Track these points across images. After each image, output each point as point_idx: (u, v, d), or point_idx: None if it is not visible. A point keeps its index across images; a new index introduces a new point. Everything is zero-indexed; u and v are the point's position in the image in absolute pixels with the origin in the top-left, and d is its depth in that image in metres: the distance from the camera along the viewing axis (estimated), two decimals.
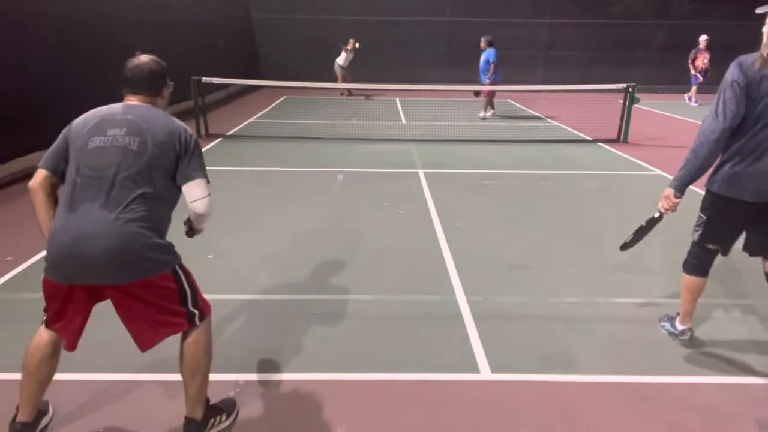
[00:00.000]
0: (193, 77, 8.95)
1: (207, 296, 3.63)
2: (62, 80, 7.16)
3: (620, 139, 9.23)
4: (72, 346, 2.34)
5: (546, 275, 4.04)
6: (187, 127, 2.43)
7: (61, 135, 2.40)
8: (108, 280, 2.14)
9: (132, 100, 2.41)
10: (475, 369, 2.89)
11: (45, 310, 2.32)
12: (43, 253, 4.29)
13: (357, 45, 13.68)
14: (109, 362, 2.89)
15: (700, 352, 3.09)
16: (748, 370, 2.92)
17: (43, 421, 2.47)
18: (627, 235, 3.22)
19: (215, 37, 13.73)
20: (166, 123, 2.34)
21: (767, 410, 2.62)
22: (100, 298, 2.26)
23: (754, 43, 2.71)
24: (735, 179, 2.73)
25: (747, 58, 2.61)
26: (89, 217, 2.08)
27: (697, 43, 14.02)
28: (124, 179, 2.15)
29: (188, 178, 2.35)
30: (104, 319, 3.35)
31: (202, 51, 12.53)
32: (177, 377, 2.77)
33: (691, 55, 14.13)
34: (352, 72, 13.86)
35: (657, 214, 3.10)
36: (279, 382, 2.76)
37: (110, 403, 2.59)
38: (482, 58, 10.86)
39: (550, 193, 6.24)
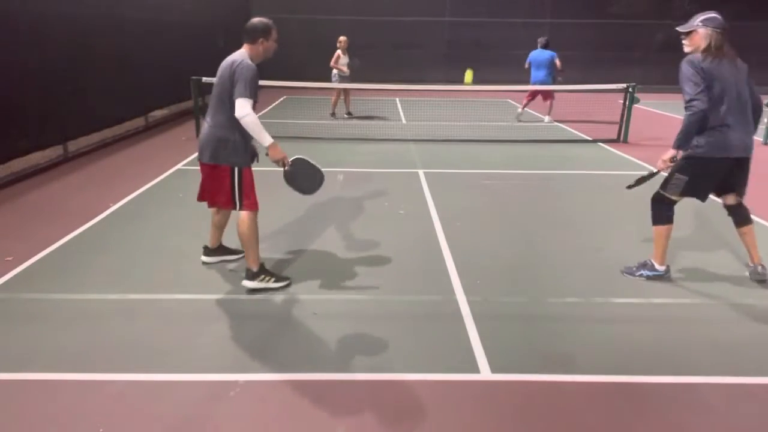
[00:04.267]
0: (193, 77, 8.95)
1: (207, 296, 3.64)
2: (62, 80, 7.16)
3: (620, 139, 9.23)
4: (199, 198, 3.87)
5: (546, 275, 4.04)
6: (245, 60, 3.48)
7: None
8: (200, 159, 3.64)
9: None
10: (475, 369, 2.89)
11: None
12: (43, 253, 4.30)
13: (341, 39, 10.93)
14: (109, 362, 2.89)
15: (700, 352, 3.09)
16: (748, 370, 2.92)
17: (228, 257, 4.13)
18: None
19: (215, 37, 13.72)
20: (234, 59, 3.50)
21: (767, 410, 2.62)
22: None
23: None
24: (720, 143, 3.64)
25: (694, 57, 3.61)
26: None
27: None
28: (213, 99, 3.57)
29: (235, 97, 3.35)
30: (104, 320, 3.36)
31: (202, 51, 12.52)
32: (176, 377, 2.78)
33: None
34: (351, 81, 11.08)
35: (655, 170, 4.03)
36: (279, 382, 2.76)
37: (110, 403, 2.59)
38: (543, 58, 10.44)
39: (550, 193, 6.24)
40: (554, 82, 10.76)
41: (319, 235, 4.77)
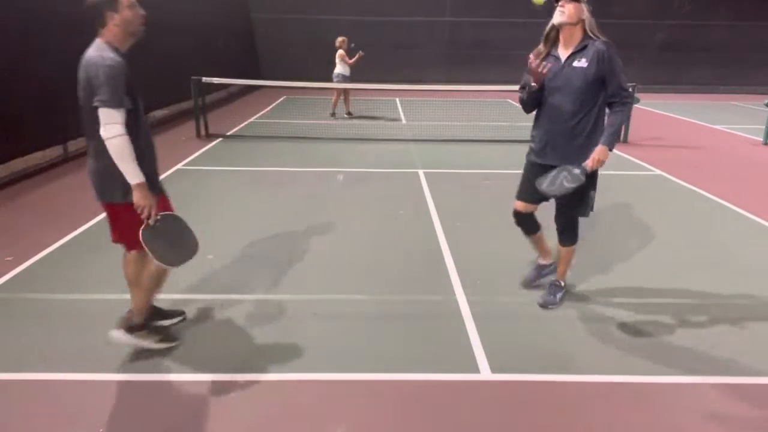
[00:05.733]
0: (193, 77, 8.95)
1: (206, 296, 3.63)
2: (62, 80, 7.14)
3: (620, 139, 9.22)
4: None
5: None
6: (101, 53, 2.64)
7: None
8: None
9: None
10: (475, 369, 2.89)
11: None
12: (43, 253, 4.30)
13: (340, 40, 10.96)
14: (109, 362, 2.89)
15: (700, 352, 3.09)
16: (748, 370, 2.92)
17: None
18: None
19: (215, 37, 13.72)
20: (86, 56, 2.64)
21: (767, 410, 2.62)
22: None
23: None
24: None
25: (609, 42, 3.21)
26: None
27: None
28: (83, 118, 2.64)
29: (97, 109, 2.53)
30: (104, 320, 3.36)
31: (202, 51, 12.53)
32: (176, 377, 2.78)
33: None
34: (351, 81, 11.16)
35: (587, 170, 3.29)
36: (279, 382, 2.76)
37: (110, 403, 2.59)
38: None
39: None
40: None
41: (319, 235, 4.77)
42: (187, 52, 11.50)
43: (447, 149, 8.51)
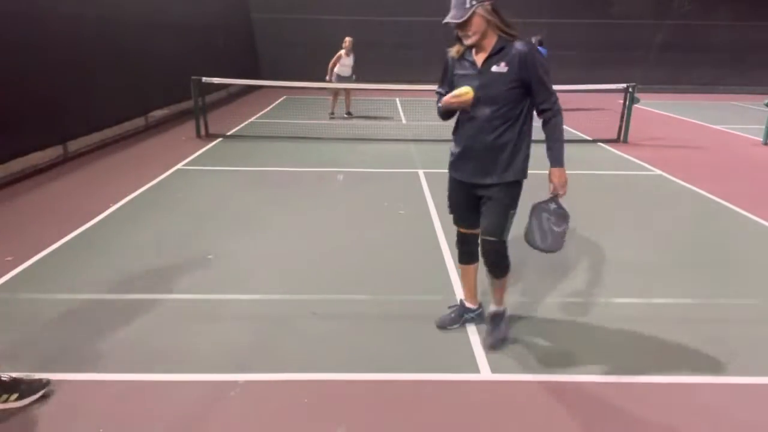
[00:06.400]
0: (193, 77, 8.95)
1: (207, 296, 3.63)
2: (62, 80, 7.16)
3: (620, 139, 9.23)
4: None
5: (546, 275, 4.04)
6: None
7: None
8: None
9: None
10: (475, 369, 2.89)
11: None
12: (43, 253, 4.30)
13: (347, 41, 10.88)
14: (109, 362, 2.89)
15: (700, 352, 3.09)
16: (748, 370, 2.92)
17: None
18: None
19: (215, 37, 13.72)
20: None
21: (766, 410, 2.61)
22: None
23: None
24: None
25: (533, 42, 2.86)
26: None
27: None
28: None
29: None
30: (104, 320, 3.36)
31: (202, 51, 12.53)
32: (176, 377, 2.78)
33: None
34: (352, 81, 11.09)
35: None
36: (279, 382, 2.76)
37: (110, 403, 2.59)
38: None
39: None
40: None
41: (318, 235, 4.77)
42: (187, 52, 11.50)
43: (447, 149, 8.49)
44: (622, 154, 8.29)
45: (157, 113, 10.54)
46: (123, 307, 3.50)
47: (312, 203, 5.67)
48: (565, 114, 2.98)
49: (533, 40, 11.61)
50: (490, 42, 2.69)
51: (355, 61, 11.00)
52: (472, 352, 3.03)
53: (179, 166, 7.06)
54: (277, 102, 13.84)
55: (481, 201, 2.95)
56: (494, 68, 2.68)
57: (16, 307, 3.48)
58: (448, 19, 2.65)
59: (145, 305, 3.51)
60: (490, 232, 2.90)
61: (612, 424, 2.50)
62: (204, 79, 9.01)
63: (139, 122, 9.78)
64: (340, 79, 10.92)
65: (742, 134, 10.29)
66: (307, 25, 16.92)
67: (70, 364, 2.88)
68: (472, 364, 2.92)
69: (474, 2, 2.58)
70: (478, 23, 2.62)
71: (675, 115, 12.81)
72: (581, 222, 5.24)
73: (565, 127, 2.99)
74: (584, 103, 12.03)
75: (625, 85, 9.25)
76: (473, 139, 2.86)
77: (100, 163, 7.26)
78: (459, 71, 2.81)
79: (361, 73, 11.38)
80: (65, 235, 4.61)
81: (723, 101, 15.78)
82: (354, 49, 10.89)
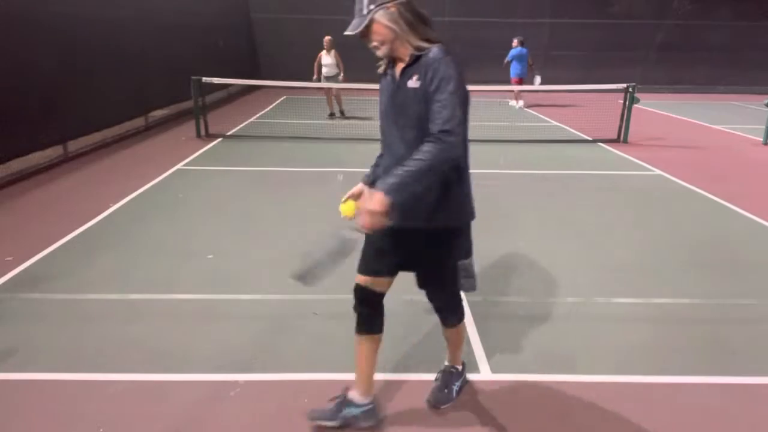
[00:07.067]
0: (193, 77, 8.95)
1: (207, 296, 3.62)
2: (62, 80, 7.16)
3: (620, 139, 9.23)
4: None
5: (546, 275, 4.04)
6: None
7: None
8: None
9: None
10: (475, 369, 2.89)
11: None
12: (43, 253, 4.30)
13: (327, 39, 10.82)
14: (109, 362, 2.89)
15: (699, 352, 3.09)
16: (748, 370, 2.92)
17: None
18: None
19: (215, 37, 13.72)
20: None
21: (766, 410, 2.61)
22: None
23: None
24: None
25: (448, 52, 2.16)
26: None
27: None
28: None
29: None
30: (104, 320, 3.36)
31: (202, 51, 12.53)
32: (176, 377, 2.78)
33: None
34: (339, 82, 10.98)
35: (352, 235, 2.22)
36: (279, 382, 2.76)
37: (110, 403, 2.59)
38: (523, 54, 12.84)
39: (550, 193, 6.24)
40: (529, 74, 13.00)
41: (318, 236, 4.76)
42: (187, 52, 11.50)
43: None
44: (622, 154, 8.29)
45: (157, 113, 10.55)
46: (123, 307, 3.50)
47: (312, 203, 5.66)
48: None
49: (514, 41, 12.80)
50: (406, 51, 2.14)
51: (343, 60, 11.04)
52: (473, 352, 3.03)
53: (179, 166, 7.06)
54: (277, 102, 13.84)
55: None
56: (409, 83, 2.11)
57: (16, 307, 3.48)
58: (347, 31, 2.16)
59: (145, 305, 3.51)
60: (446, 288, 2.43)
61: (612, 424, 2.50)
62: (204, 79, 9.01)
63: (139, 122, 9.79)
64: (326, 78, 11.03)
65: (742, 134, 10.29)
66: (307, 25, 16.90)
67: (70, 363, 2.88)
68: (472, 364, 2.92)
69: (372, 6, 2.08)
70: (379, 31, 2.10)
71: (675, 115, 12.80)
72: (581, 222, 5.25)
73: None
74: (584, 103, 12.04)
75: (625, 85, 9.26)
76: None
77: (100, 163, 7.26)
78: (383, 87, 2.26)
79: (361, 73, 11.37)
80: (65, 235, 4.61)
81: (723, 101, 15.78)
82: (336, 47, 10.93)
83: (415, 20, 2.12)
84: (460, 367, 2.75)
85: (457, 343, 2.68)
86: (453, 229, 2.32)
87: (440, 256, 2.32)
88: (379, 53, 2.16)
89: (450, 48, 2.18)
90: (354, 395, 2.50)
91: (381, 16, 2.09)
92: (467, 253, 2.39)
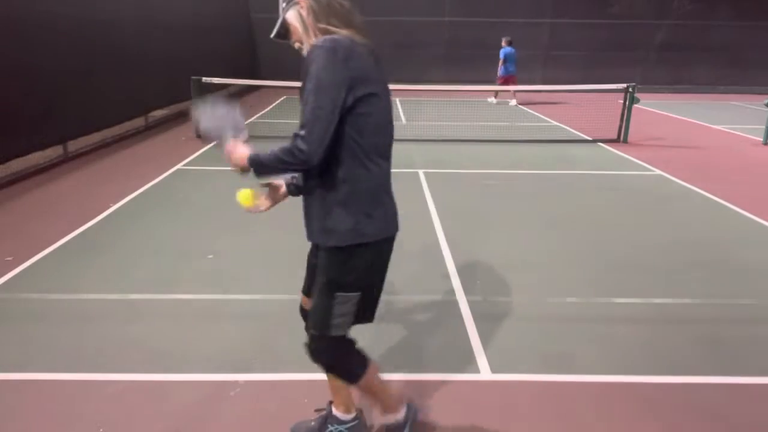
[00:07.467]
0: (193, 77, 8.95)
1: (207, 296, 3.62)
2: (62, 80, 7.16)
3: (620, 139, 9.23)
4: None
5: (546, 275, 4.04)
6: None
7: None
8: None
9: None
10: (475, 369, 2.89)
11: None
12: (43, 253, 4.30)
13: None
14: (109, 362, 2.89)
15: (700, 352, 3.09)
16: (748, 370, 2.92)
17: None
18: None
19: (215, 37, 13.72)
20: None
21: (766, 410, 2.61)
22: None
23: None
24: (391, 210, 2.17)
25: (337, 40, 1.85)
26: None
27: None
28: None
29: None
30: (104, 320, 3.36)
31: (202, 51, 12.53)
32: (176, 377, 2.78)
33: None
34: None
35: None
36: (279, 382, 2.76)
37: (110, 403, 2.59)
38: (513, 53, 13.53)
39: (550, 193, 6.24)
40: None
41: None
42: (187, 52, 11.50)
43: (447, 149, 8.51)
44: (622, 154, 8.29)
45: (157, 113, 10.55)
46: (123, 307, 3.50)
47: None
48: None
49: (503, 40, 13.24)
50: None
51: None
52: (472, 352, 3.03)
53: (179, 166, 7.06)
54: (277, 102, 13.83)
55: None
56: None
57: (16, 307, 3.48)
58: (272, 35, 2.06)
59: (145, 305, 3.51)
60: (312, 323, 2.03)
61: (612, 424, 2.50)
62: (204, 79, 9.01)
63: (139, 122, 9.78)
64: None
65: (742, 134, 10.29)
66: None
67: (70, 363, 2.88)
68: (472, 364, 2.92)
69: (283, 3, 2.00)
70: (294, 31, 1.98)
71: (675, 115, 12.80)
72: (581, 222, 5.25)
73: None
74: (584, 103, 12.04)
75: (625, 85, 9.26)
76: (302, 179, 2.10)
77: (100, 163, 7.26)
78: None
79: None
80: (65, 235, 4.61)
81: (723, 101, 15.78)
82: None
83: (323, 12, 1.89)
84: (344, 417, 2.29)
85: (340, 390, 2.25)
86: (336, 250, 1.92)
87: (327, 281, 1.96)
88: (304, 53, 1.92)
89: (363, 38, 1.97)
90: (337, 413, 2.30)
91: (291, 15, 1.98)
92: (351, 287, 1.96)
